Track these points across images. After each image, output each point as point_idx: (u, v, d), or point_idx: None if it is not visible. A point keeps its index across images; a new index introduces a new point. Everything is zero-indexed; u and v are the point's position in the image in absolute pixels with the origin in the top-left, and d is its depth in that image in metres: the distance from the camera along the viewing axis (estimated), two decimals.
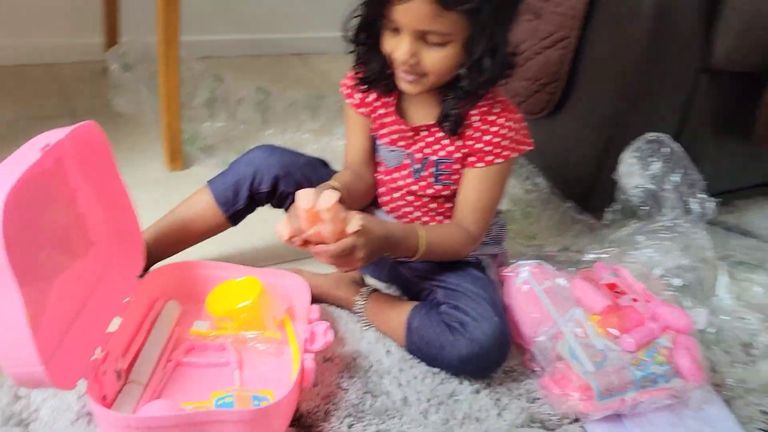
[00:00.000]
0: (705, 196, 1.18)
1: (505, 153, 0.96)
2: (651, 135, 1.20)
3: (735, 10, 1.18)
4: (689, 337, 0.97)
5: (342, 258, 0.84)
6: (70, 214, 0.89)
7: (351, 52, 0.98)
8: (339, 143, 1.56)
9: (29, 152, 0.76)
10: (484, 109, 0.95)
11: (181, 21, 1.32)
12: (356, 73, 1.00)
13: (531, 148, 0.99)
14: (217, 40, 2.07)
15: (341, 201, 0.83)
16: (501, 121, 0.95)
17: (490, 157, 0.96)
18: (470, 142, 0.97)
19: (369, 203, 1.11)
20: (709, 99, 1.31)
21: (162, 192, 1.30)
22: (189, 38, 1.84)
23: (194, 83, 1.72)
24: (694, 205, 1.19)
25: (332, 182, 0.97)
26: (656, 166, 1.20)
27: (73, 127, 0.84)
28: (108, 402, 0.82)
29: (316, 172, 1.08)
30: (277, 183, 1.05)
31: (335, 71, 2.07)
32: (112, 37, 1.76)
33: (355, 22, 0.94)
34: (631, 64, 1.19)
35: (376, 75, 0.98)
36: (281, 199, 1.07)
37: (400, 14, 0.86)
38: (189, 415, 0.78)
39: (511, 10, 0.90)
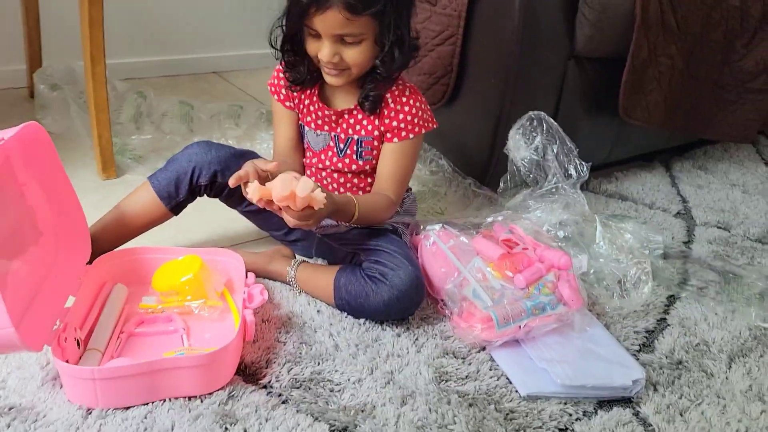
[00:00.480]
0: (579, 162, 1.38)
1: (416, 129, 1.14)
2: (532, 113, 1.39)
3: (588, 5, 1.41)
4: (569, 273, 1.16)
5: (303, 218, 0.97)
6: (19, 207, 0.99)
7: (279, 59, 1.15)
8: (260, 146, 1.70)
9: None
10: (396, 93, 1.13)
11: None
12: (287, 77, 1.16)
13: (436, 125, 1.17)
14: (138, 62, 2.17)
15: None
16: (411, 102, 1.13)
17: (404, 133, 1.13)
18: (386, 121, 1.14)
19: None
20: (578, 81, 1.53)
21: (98, 198, 1.40)
22: (111, 61, 1.93)
23: (119, 101, 1.82)
24: (572, 170, 1.39)
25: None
26: (538, 140, 1.39)
27: (18, 127, 0.94)
28: None
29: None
30: (215, 176, 1.17)
31: (252, 85, 2.21)
32: (35, 63, 1.84)
33: (278, 33, 1.10)
34: (507, 55, 1.39)
35: (304, 76, 1.14)
36: (219, 189, 1.19)
37: (319, 24, 1.02)
38: (147, 363, 0.89)
39: (408, 6, 1.08)
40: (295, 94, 1.19)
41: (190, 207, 1.23)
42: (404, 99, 1.14)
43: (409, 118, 1.13)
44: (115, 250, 1.16)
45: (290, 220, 0.98)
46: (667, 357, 1.13)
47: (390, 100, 1.14)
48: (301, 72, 1.14)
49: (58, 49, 1.88)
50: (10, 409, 0.88)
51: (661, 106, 1.65)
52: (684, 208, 1.70)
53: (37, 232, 1.02)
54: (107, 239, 1.15)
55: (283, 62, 1.16)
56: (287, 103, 1.20)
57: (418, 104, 1.14)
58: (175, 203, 1.17)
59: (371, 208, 1.13)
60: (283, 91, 1.19)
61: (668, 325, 1.23)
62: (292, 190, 0.93)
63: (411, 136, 1.14)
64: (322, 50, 1.05)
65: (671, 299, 1.30)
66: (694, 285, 1.35)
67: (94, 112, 1.45)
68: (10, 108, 1.81)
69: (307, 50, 1.09)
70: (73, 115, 1.67)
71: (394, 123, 1.13)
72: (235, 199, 1.22)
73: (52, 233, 1.05)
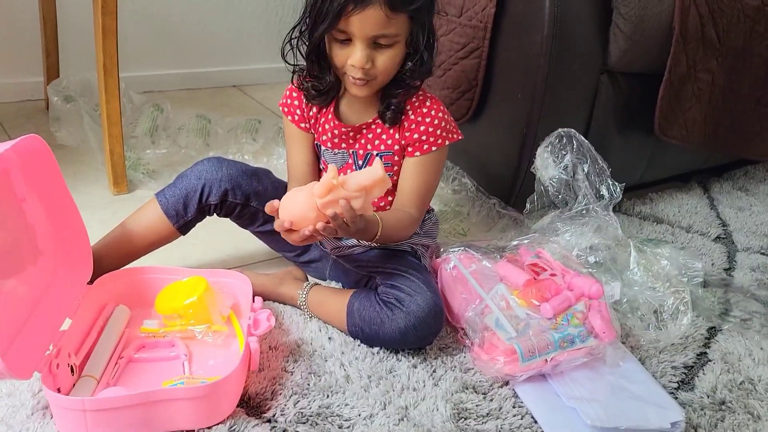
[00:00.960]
0: (611, 182, 1.30)
1: (439, 141, 1.07)
2: (561, 130, 1.32)
3: (623, 17, 1.33)
4: (601, 301, 1.07)
5: (348, 221, 0.90)
6: (17, 224, 0.94)
7: (295, 72, 1.08)
8: (277, 162, 1.64)
9: None
10: (416, 103, 1.07)
11: (121, 57, 1.39)
12: (310, 89, 1.08)
13: (461, 137, 1.10)
14: (158, 74, 2.14)
15: None
16: (433, 112, 1.07)
17: (426, 146, 1.06)
18: (407, 134, 1.07)
19: None
20: (611, 97, 1.44)
21: (108, 214, 1.35)
22: (130, 74, 1.92)
23: (135, 114, 1.78)
24: (604, 191, 1.31)
25: None
26: (568, 158, 1.31)
27: (16, 140, 0.89)
28: (63, 394, 0.86)
29: (262, 183, 1.15)
30: (226, 195, 1.11)
31: (271, 99, 2.16)
32: (52, 75, 1.81)
33: (289, 48, 1.03)
34: (534, 69, 1.32)
35: (329, 86, 1.07)
36: (230, 209, 1.13)
37: (356, 24, 0.95)
38: (141, 395, 0.83)
39: (434, 8, 1.03)
40: (311, 114, 1.12)
41: (199, 225, 1.17)
42: (425, 110, 1.07)
43: (431, 129, 1.06)
44: (119, 269, 1.10)
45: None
46: (708, 396, 1.04)
47: (410, 112, 1.07)
48: (327, 81, 1.06)
49: (76, 62, 1.86)
50: None
51: (699, 124, 1.56)
52: (724, 232, 1.60)
53: (36, 251, 0.97)
54: (110, 258, 1.09)
55: (302, 76, 1.08)
56: (302, 125, 1.14)
57: (440, 114, 1.07)
58: (183, 222, 1.11)
59: (394, 226, 1.05)
60: (298, 111, 1.13)
61: (709, 360, 1.13)
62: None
63: (434, 148, 1.07)
64: (353, 55, 0.98)
65: (712, 332, 1.21)
66: (737, 316, 1.26)
67: (106, 125, 1.41)
68: (27, 120, 1.79)
69: (335, 60, 1.02)
70: (86, 127, 1.64)
71: (416, 135, 1.07)
72: (246, 219, 1.16)
73: (52, 251, 1.00)
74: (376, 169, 0.91)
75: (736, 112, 1.62)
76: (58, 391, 0.85)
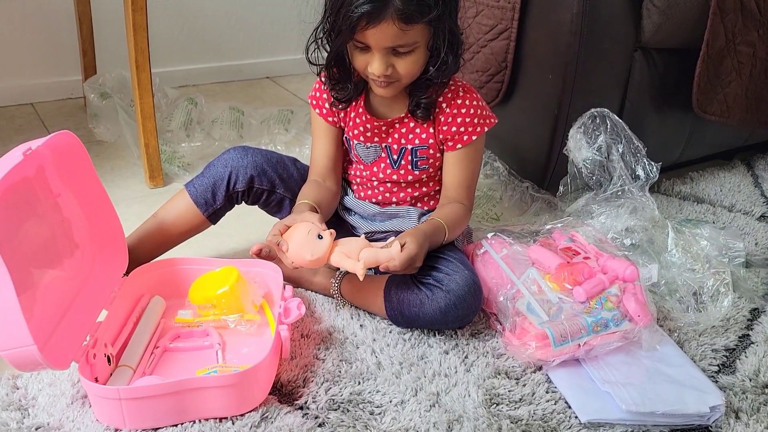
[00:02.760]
0: (647, 161, 1.26)
1: (478, 129, 1.07)
2: (594, 110, 1.29)
3: None
4: (636, 284, 1.05)
5: (406, 266, 0.96)
6: (54, 218, 0.96)
7: (320, 73, 1.08)
8: (309, 152, 1.65)
9: (11, 156, 0.84)
10: (449, 95, 1.06)
11: (155, 53, 1.42)
12: (333, 95, 1.09)
13: (496, 121, 1.10)
14: (191, 69, 2.17)
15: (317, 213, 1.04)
16: (467, 102, 1.06)
17: (466, 137, 1.06)
18: (444, 128, 1.07)
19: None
20: (646, 75, 1.40)
21: (144, 207, 1.38)
22: (164, 69, 1.96)
23: (170, 109, 1.81)
24: (639, 171, 1.27)
25: (307, 202, 1.06)
26: (601, 139, 1.28)
27: (49, 136, 0.91)
28: (100, 384, 0.89)
29: (287, 170, 1.17)
30: (252, 182, 1.13)
31: (304, 89, 2.17)
32: (89, 73, 1.85)
33: (314, 48, 1.04)
34: (565, 48, 1.29)
35: (350, 93, 1.08)
36: (256, 196, 1.15)
37: (370, 38, 0.95)
38: (175, 383, 0.84)
39: (457, 5, 1.01)
40: (339, 107, 1.12)
41: (232, 216, 1.19)
42: (459, 101, 1.06)
43: (468, 120, 1.06)
44: (153, 261, 1.12)
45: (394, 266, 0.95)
46: (751, 380, 1.01)
47: (444, 105, 1.06)
48: (348, 89, 1.08)
49: (112, 59, 1.90)
50: (38, 428, 0.85)
51: (741, 99, 1.51)
52: None
53: (73, 244, 1.00)
54: (144, 249, 1.12)
55: (325, 79, 1.09)
56: (330, 119, 1.14)
57: (475, 103, 1.07)
58: (212, 210, 1.13)
59: (454, 223, 1.08)
60: (327, 105, 1.13)
61: (752, 342, 1.10)
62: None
63: (474, 137, 1.07)
64: (372, 63, 0.98)
65: (755, 313, 1.17)
66: None
67: (140, 120, 1.44)
68: (66, 118, 1.84)
69: (355, 65, 1.02)
70: (122, 123, 1.67)
71: (453, 128, 1.06)
72: (274, 206, 1.17)
73: (88, 245, 1.02)
74: (394, 252, 0.95)
75: None
76: (96, 380, 0.87)
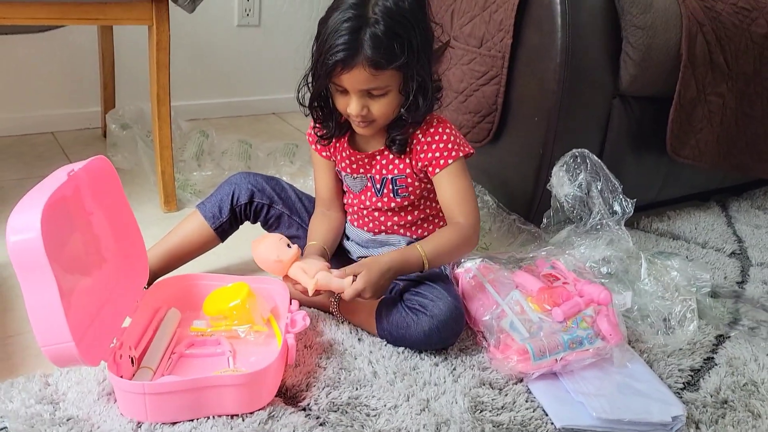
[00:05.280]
0: (624, 198, 1.38)
1: (453, 154, 1.17)
2: (576, 151, 1.41)
3: (632, 46, 1.43)
4: (609, 307, 1.15)
5: (357, 296, 1.08)
6: (86, 234, 1.07)
7: (307, 114, 1.22)
8: (312, 183, 1.76)
9: (58, 176, 0.96)
10: (424, 126, 1.18)
11: (171, 88, 1.54)
12: (316, 132, 1.24)
13: (472, 151, 1.20)
14: (203, 103, 2.31)
15: (324, 256, 1.19)
16: (440, 130, 1.18)
17: (443, 161, 1.17)
18: (421, 155, 1.18)
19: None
20: (624, 120, 1.54)
21: (159, 229, 1.48)
22: (178, 103, 2.08)
23: (183, 140, 1.94)
24: (616, 207, 1.39)
25: (315, 243, 1.21)
26: (582, 177, 1.40)
27: (87, 160, 1.03)
28: None
29: (285, 191, 1.34)
30: (252, 196, 1.28)
31: (307, 125, 2.28)
32: (109, 105, 1.98)
33: (305, 91, 1.17)
34: (549, 94, 1.42)
35: (333, 130, 1.21)
36: (257, 211, 1.28)
37: (346, 81, 1.08)
38: (193, 380, 0.94)
39: (429, 52, 1.13)
40: (330, 143, 1.25)
41: (240, 237, 1.31)
42: (432, 130, 1.17)
43: (442, 145, 1.17)
44: (170, 276, 1.23)
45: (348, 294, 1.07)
46: (711, 396, 1.11)
47: (420, 135, 1.17)
48: (330, 127, 1.21)
49: (130, 93, 2.03)
50: (68, 419, 0.94)
51: (712, 144, 1.63)
52: (739, 248, 1.66)
53: (101, 258, 1.10)
54: (161, 264, 1.24)
55: (312, 118, 1.23)
56: (324, 153, 1.28)
57: (448, 131, 1.18)
58: (219, 224, 1.27)
59: (442, 246, 1.15)
60: (320, 141, 1.26)
61: (715, 364, 1.20)
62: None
63: (450, 161, 1.17)
64: (350, 105, 1.11)
65: (720, 339, 1.27)
66: (746, 325, 1.32)
67: (158, 149, 1.56)
68: (85, 147, 1.95)
69: (336, 105, 1.15)
70: (140, 152, 1.79)
71: (429, 154, 1.17)
72: (274, 222, 1.32)
73: (114, 259, 1.13)
74: (345, 284, 1.08)
75: (750, 133, 1.69)
76: (121, 377, 0.97)
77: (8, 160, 1.83)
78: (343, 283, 1.07)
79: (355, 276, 1.08)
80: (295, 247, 1.11)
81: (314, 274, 1.08)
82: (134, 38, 1.98)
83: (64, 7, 1.34)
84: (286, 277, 1.12)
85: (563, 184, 1.41)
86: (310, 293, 1.08)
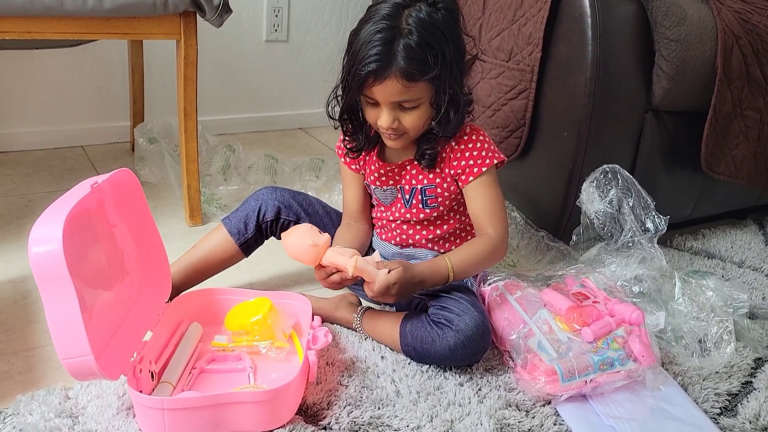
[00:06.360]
0: (656, 215, 1.34)
1: (487, 161, 1.15)
2: (606, 166, 1.38)
3: (665, 59, 1.39)
4: (642, 328, 1.11)
5: (381, 294, 1.05)
6: (109, 247, 1.07)
7: (337, 128, 1.21)
8: (338, 198, 1.75)
9: (81, 188, 0.95)
10: (457, 135, 1.16)
11: (198, 103, 1.55)
12: (346, 145, 1.22)
13: (505, 158, 1.18)
14: (230, 118, 2.32)
15: None
16: (474, 138, 1.16)
17: (476, 169, 1.15)
18: (454, 163, 1.16)
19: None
20: (657, 135, 1.50)
21: (184, 243, 1.48)
22: (206, 118, 2.10)
23: (210, 155, 1.94)
24: (649, 224, 1.35)
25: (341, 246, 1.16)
26: (612, 193, 1.36)
27: (111, 173, 1.03)
28: None
29: (312, 206, 1.31)
30: (279, 213, 1.26)
31: (333, 140, 2.25)
32: (138, 119, 2.00)
33: (334, 104, 1.16)
34: (579, 109, 1.39)
35: (362, 143, 1.20)
36: (284, 228, 1.25)
37: (377, 93, 1.07)
38: (212, 396, 0.93)
39: (461, 66, 1.11)
40: (359, 157, 1.24)
41: (264, 252, 1.30)
42: (465, 138, 1.16)
43: (475, 153, 1.15)
44: (192, 290, 1.22)
45: (368, 293, 1.06)
46: (750, 422, 1.06)
47: (453, 143, 1.16)
48: (359, 140, 1.19)
49: (159, 108, 2.05)
50: None
51: (749, 160, 1.59)
52: None
53: (124, 271, 1.10)
54: (184, 278, 1.23)
55: (341, 131, 1.21)
56: (353, 166, 1.26)
57: (481, 138, 1.16)
58: (244, 239, 1.25)
59: (470, 258, 1.14)
60: (350, 154, 1.24)
61: (755, 389, 1.15)
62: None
63: (484, 169, 1.15)
64: (381, 117, 1.09)
65: (759, 362, 1.22)
66: None
67: (184, 163, 1.56)
68: (114, 160, 1.97)
69: (366, 118, 1.14)
70: (166, 166, 1.80)
71: (462, 162, 1.15)
72: None
73: (137, 272, 1.12)
74: (380, 273, 1.05)
75: None
76: (140, 392, 0.96)
77: (39, 173, 1.85)
78: (379, 272, 1.04)
79: (390, 270, 1.05)
80: (326, 234, 1.09)
81: (351, 256, 1.05)
82: (164, 53, 2.01)
83: (93, 21, 1.35)
84: (318, 267, 1.08)
85: (593, 200, 1.38)
86: (350, 273, 1.03)
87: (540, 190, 1.58)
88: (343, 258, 1.05)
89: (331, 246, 1.09)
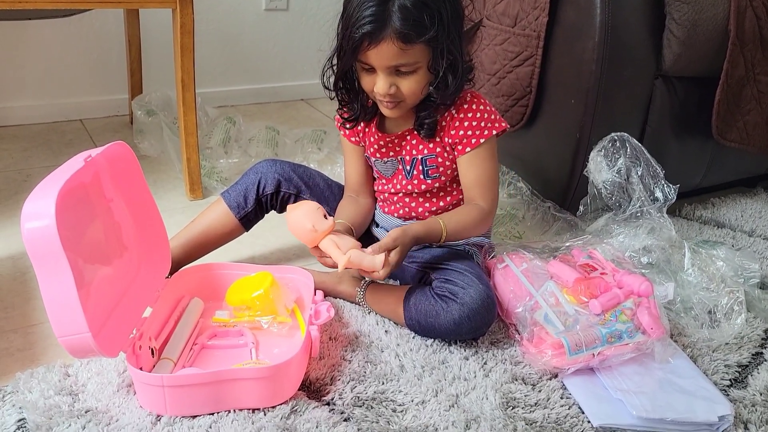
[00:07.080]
0: (666, 184, 1.31)
1: (485, 132, 1.12)
2: (614, 134, 1.34)
3: (676, 22, 1.35)
4: (650, 299, 1.09)
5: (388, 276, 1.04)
6: (106, 222, 1.05)
7: (333, 98, 1.17)
8: (340, 170, 1.72)
9: (74, 162, 0.93)
10: (457, 102, 1.12)
11: (198, 75, 1.52)
12: (341, 115, 1.19)
13: (507, 126, 1.15)
14: (231, 90, 2.28)
15: (350, 235, 1.12)
16: (474, 107, 1.12)
17: (474, 140, 1.12)
18: (452, 132, 1.13)
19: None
20: (666, 102, 1.46)
21: (184, 217, 1.46)
22: (206, 90, 2.06)
23: (210, 127, 1.91)
24: (658, 193, 1.32)
25: (343, 221, 1.15)
26: (621, 162, 1.33)
27: (106, 146, 1.00)
28: None
29: (313, 179, 1.28)
30: (279, 186, 1.23)
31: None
32: (136, 92, 1.96)
33: (330, 74, 1.12)
34: (587, 75, 1.35)
35: (358, 112, 1.16)
36: (284, 201, 1.23)
37: (373, 57, 1.03)
38: (214, 373, 0.91)
39: (460, 30, 1.07)
40: (358, 128, 1.20)
41: (264, 226, 1.27)
42: (465, 106, 1.12)
43: (474, 123, 1.12)
44: (193, 265, 1.20)
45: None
46: (761, 394, 1.04)
47: (453, 111, 1.12)
48: (355, 109, 1.16)
49: (157, 80, 2.01)
50: (87, 411, 0.92)
51: (761, 127, 1.55)
52: None
53: (122, 247, 1.08)
54: (184, 253, 1.21)
55: (337, 101, 1.18)
56: (353, 138, 1.23)
57: (481, 107, 1.13)
58: (244, 213, 1.23)
59: (460, 224, 1.12)
60: (348, 125, 1.21)
61: (765, 360, 1.13)
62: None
63: (482, 140, 1.12)
64: (377, 84, 1.06)
65: None
66: None
67: (183, 136, 1.53)
68: (113, 134, 1.94)
69: (362, 85, 1.10)
70: (165, 139, 1.77)
71: (461, 132, 1.12)
72: None
73: (136, 247, 1.10)
74: (377, 263, 1.02)
75: None
76: (141, 369, 0.95)
77: (37, 147, 1.82)
78: (375, 261, 1.02)
79: (388, 253, 1.03)
80: (330, 219, 1.06)
81: (347, 251, 1.03)
82: (162, 24, 1.96)
83: None
84: (315, 248, 1.06)
85: (601, 169, 1.35)
86: (340, 269, 1.02)
87: (546, 160, 1.54)
88: (338, 252, 1.03)
89: (334, 229, 1.07)
